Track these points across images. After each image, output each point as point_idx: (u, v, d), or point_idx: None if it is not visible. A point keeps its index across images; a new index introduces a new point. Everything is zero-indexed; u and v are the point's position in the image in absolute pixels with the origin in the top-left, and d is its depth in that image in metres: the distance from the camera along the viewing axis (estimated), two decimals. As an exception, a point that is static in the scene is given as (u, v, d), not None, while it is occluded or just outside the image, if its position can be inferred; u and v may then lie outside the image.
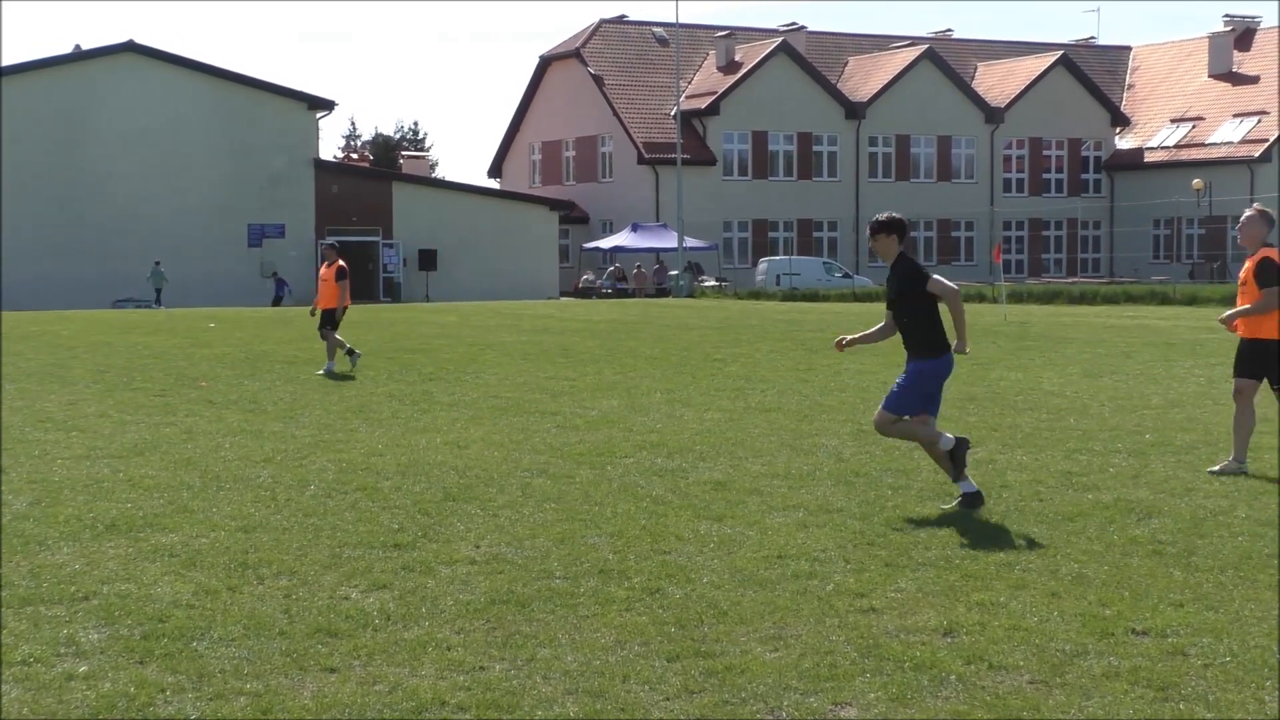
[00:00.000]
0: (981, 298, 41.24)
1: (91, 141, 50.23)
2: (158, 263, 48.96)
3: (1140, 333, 25.19)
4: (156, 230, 50.40)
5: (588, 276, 57.58)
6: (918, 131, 62.87)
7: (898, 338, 9.76)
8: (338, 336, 19.00)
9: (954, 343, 9.36)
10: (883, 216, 9.89)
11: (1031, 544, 8.14)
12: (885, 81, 62.15)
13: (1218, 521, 8.70)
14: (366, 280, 53.57)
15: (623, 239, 56.68)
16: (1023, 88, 64.42)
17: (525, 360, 20.04)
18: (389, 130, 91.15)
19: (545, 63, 64.73)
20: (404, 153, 76.53)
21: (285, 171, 52.46)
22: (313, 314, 19.99)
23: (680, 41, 59.04)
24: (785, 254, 58.06)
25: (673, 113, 57.96)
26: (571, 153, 63.52)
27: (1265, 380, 10.51)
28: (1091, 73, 67.21)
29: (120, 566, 7.74)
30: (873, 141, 62.36)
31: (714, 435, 12.58)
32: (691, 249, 54.97)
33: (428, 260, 53.16)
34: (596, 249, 57.73)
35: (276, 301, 48.86)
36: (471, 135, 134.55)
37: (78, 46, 53.81)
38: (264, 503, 9.48)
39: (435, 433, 12.79)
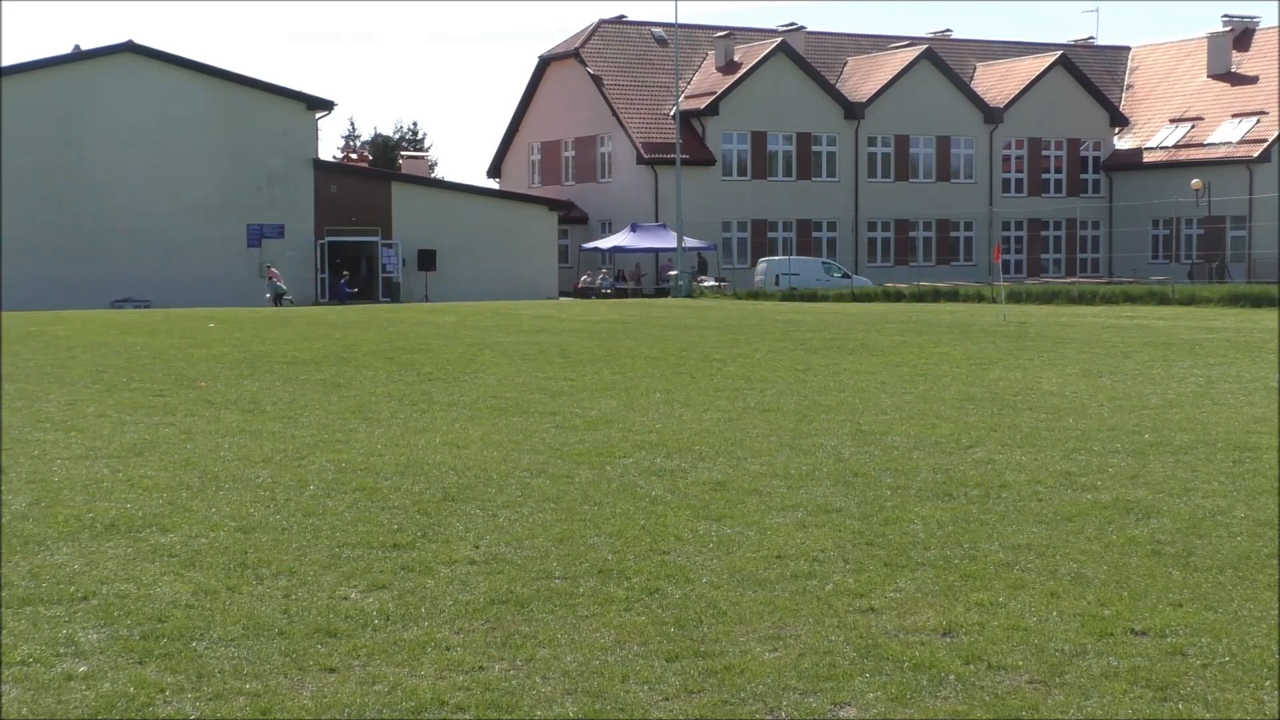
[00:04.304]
0: (980, 298, 41.25)
1: (91, 141, 50.19)
2: (270, 268, 49.41)
3: (1139, 333, 25.19)
4: (155, 230, 50.40)
5: (586, 276, 57.58)
6: (917, 132, 62.85)
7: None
8: None
9: None
10: None
11: (1030, 544, 8.15)
12: (884, 82, 62.12)
13: (1216, 521, 8.71)
14: (365, 280, 53.62)
15: (622, 239, 56.67)
16: (1022, 88, 64.38)
17: (524, 360, 20.04)
18: (388, 130, 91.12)
19: (544, 63, 64.71)
20: (403, 153, 76.45)
21: (284, 171, 52.45)
22: None
23: (679, 42, 59.01)
24: (784, 254, 58.03)
25: (672, 113, 57.94)
26: (571, 153, 63.50)
27: None
28: (1090, 73, 67.18)
29: (119, 566, 7.75)
30: (872, 142, 62.34)
31: (713, 435, 12.58)
32: (691, 249, 54.97)
33: (427, 260, 53.15)
34: (596, 249, 57.72)
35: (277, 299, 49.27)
36: (471, 135, 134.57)
37: (77, 47, 53.77)
38: (263, 503, 9.48)
39: (434, 433, 12.79)
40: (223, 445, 12.08)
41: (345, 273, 52.50)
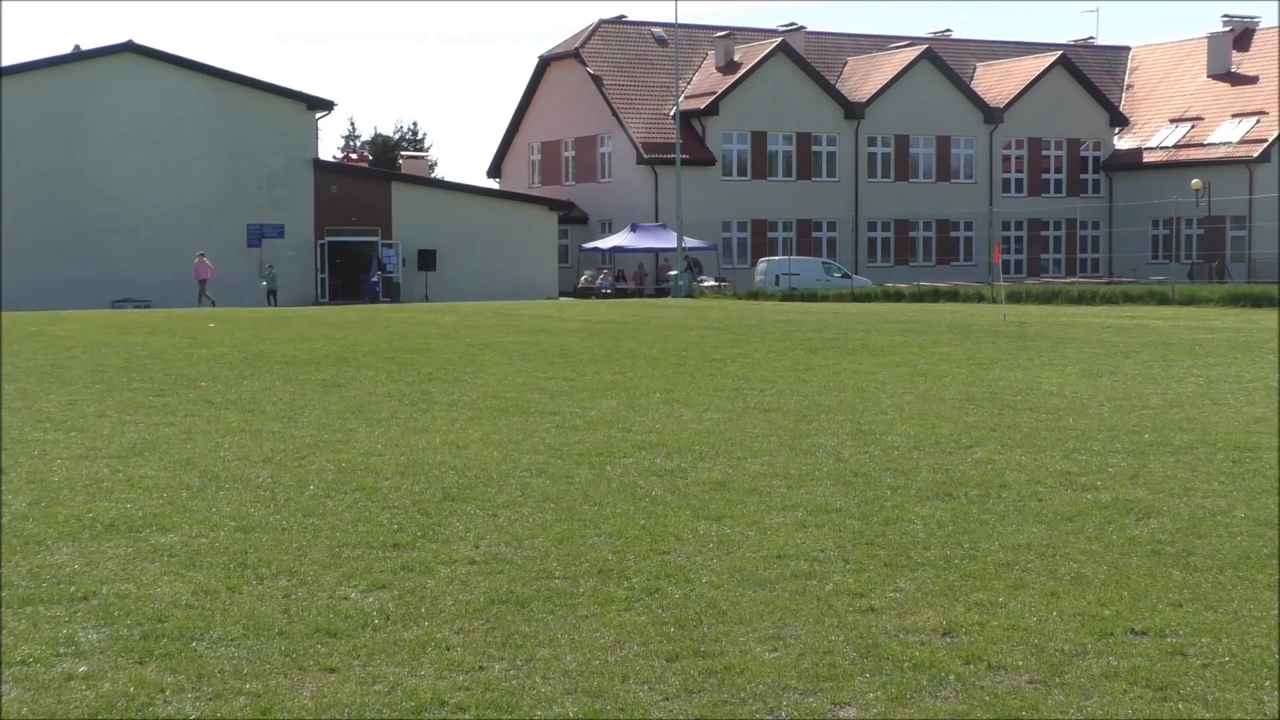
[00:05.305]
0: (980, 298, 41.26)
1: (91, 141, 50.18)
2: (270, 267, 49.40)
3: (1139, 333, 25.20)
4: (156, 230, 50.40)
5: (586, 276, 57.58)
6: (917, 132, 62.84)
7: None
8: None
9: None
10: None
11: (1030, 544, 8.15)
12: (884, 82, 62.12)
13: (1216, 521, 8.71)
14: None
15: (622, 239, 56.67)
16: (1022, 88, 64.38)
17: (524, 360, 20.04)
18: (388, 130, 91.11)
19: (544, 63, 64.71)
20: (403, 153, 76.44)
21: (284, 172, 52.46)
22: None
23: (679, 42, 59.00)
24: (784, 254, 58.04)
25: (672, 113, 57.94)
26: (571, 153, 63.50)
27: None
28: (1090, 73, 67.18)
29: (120, 566, 7.75)
30: (872, 142, 62.34)
31: (713, 435, 12.58)
32: (691, 249, 55.00)
33: (427, 260, 53.15)
34: (595, 249, 57.73)
35: (375, 298, 50.23)
36: (471, 135, 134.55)
37: (77, 47, 53.76)
38: (263, 503, 9.48)
39: (434, 433, 12.79)
40: (223, 445, 12.08)
41: (379, 273, 52.74)
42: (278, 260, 51.08)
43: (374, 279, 52.13)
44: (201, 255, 47.85)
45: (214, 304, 45.38)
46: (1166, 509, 9.10)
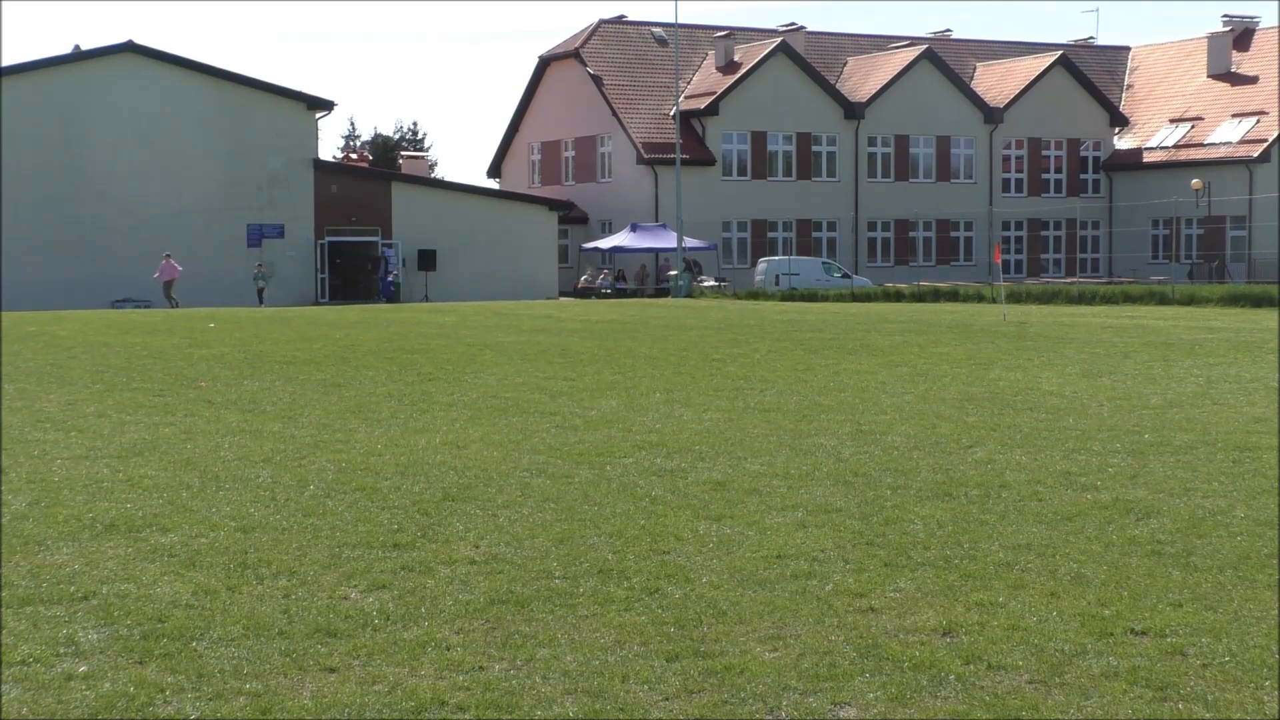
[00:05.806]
0: (980, 298, 41.26)
1: (91, 141, 50.20)
2: (260, 265, 49.39)
3: (1139, 333, 25.19)
4: (156, 230, 50.38)
5: (586, 276, 57.58)
6: (917, 132, 62.84)
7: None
8: None
9: None
10: None
11: (1030, 544, 8.15)
12: (884, 82, 62.12)
13: (1216, 521, 8.71)
14: (366, 280, 53.61)
15: (622, 239, 56.67)
16: (1022, 88, 64.38)
17: (524, 360, 20.04)
18: (388, 130, 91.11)
19: (544, 63, 64.71)
20: (403, 153, 76.41)
21: (284, 172, 52.45)
22: None
23: (679, 42, 59.00)
24: (784, 254, 58.05)
25: (672, 113, 57.94)
26: (571, 153, 63.50)
27: None
28: (1090, 73, 67.19)
29: (120, 566, 7.75)
30: (872, 142, 62.33)
31: (713, 435, 12.58)
32: (690, 249, 55.00)
33: (427, 260, 53.16)
34: (596, 249, 57.73)
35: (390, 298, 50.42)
36: (471, 135, 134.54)
37: (77, 47, 53.76)
38: (263, 503, 9.48)
39: (434, 433, 12.79)
40: (223, 445, 12.08)
41: (394, 272, 52.74)
42: (277, 260, 51.05)
43: (389, 278, 52.09)
44: (168, 256, 46.99)
45: (176, 305, 44.76)
46: (1166, 509, 9.10)
